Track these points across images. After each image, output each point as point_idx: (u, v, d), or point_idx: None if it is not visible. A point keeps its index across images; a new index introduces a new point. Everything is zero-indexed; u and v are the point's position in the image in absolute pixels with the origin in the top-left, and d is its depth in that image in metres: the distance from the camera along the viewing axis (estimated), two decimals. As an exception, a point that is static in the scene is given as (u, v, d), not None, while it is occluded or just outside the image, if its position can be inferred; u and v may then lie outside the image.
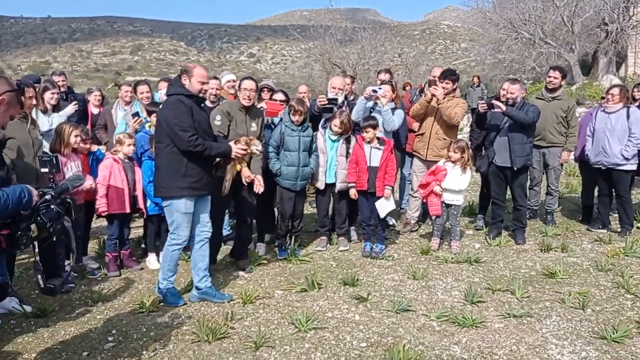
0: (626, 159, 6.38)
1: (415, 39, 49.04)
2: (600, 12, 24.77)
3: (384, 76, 7.02)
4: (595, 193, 7.08)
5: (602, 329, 4.02)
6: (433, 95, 6.17)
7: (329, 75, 27.80)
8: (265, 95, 6.53)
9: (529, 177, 6.68)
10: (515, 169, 6.14)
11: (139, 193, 5.41)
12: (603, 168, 6.57)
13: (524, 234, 6.40)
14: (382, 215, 5.79)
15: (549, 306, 4.50)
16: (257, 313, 4.40)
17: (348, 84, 6.75)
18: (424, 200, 6.33)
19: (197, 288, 4.60)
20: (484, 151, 6.54)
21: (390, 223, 6.64)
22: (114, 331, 4.07)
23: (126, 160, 5.42)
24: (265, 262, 5.68)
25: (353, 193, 5.89)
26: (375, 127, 5.77)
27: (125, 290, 4.95)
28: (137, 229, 6.57)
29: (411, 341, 3.87)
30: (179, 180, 4.26)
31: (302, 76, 32.95)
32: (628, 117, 6.40)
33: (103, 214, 5.25)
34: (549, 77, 6.93)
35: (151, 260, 5.57)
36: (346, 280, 5.02)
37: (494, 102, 6.05)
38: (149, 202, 5.42)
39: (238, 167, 4.81)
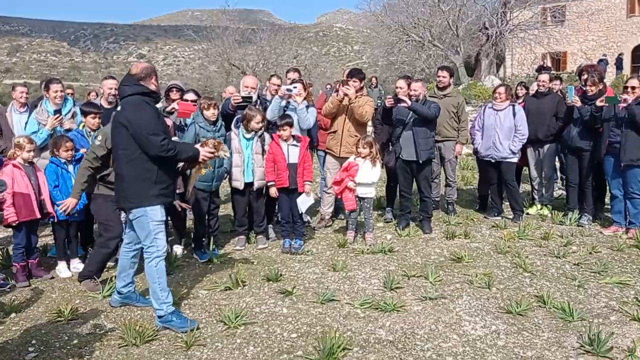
0: (513, 153, 7.02)
1: (309, 41, 49.82)
2: (481, 17, 26.68)
3: (293, 75, 7.16)
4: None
5: (507, 304, 4.42)
6: (345, 94, 6.41)
7: (227, 77, 27.62)
8: (175, 95, 6.44)
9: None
10: (421, 162, 6.53)
11: (45, 197, 5.12)
12: (493, 161, 7.16)
13: (431, 223, 6.83)
14: (302, 211, 5.94)
15: (460, 287, 4.87)
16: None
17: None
18: (339, 197, 6.55)
19: (119, 293, 4.45)
20: (391, 147, 6.89)
21: (306, 219, 6.80)
22: (33, 341, 3.86)
23: (27, 165, 5.12)
24: (184, 264, 5.62)
25: (274, 191, 5.98)
26: (291, 125, 5.91)
27: (38, 300, 4.68)
28: (43, 237, 6.20)
29: (339, 329, 4.03)
30: (151, 188, 3.94)
31: (198, 77, 32.36)
32: (514, 114, 7.04)
33: (13, 224, 4.92)
34: (439, 76, 7.44)
35: (61, 269, 5.30)
36: (269, 276, 5.10)
37: (401, 97, 6.41)
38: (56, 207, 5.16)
39: (203, 171, 4.46)
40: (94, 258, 4.94)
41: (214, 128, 5.67)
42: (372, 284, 5.01)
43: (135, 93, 3.96)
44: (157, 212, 4.00)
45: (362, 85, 6.75)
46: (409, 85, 6.67)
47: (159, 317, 4.05)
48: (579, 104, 6.58)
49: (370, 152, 6.23)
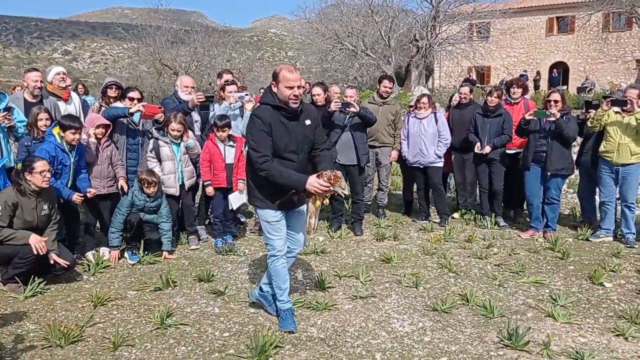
0: (439, 157, 7.32)
1: (244, 45, 49.52)
2: (412, 29, 27.57)
3: (227, 76, 7.15)
4: (415, 189, 7.97)
5: (433, 302, 4.60)
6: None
7: (159, 77, 26.97)
8: (113, 92, 6.27)
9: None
10: (362, 165, 6.70)
11: None
12: (421, 167, 7.43)
13: (362, 225, 6.99)
14: (233, 207, 5.98)
15: (389, 287, 5.02)
16: (111, 314, 4.24)
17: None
18: None
19: (260, 289, 4.35)
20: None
21: (242, 220, 6.78)
22: (-54, 346, 3.63)
23: None
24: (110, 264, 5.46)
25: (210, 190, 5.96)
26: (229, 126, 5.92)
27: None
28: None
29: (271, 328, 4.05)
30: (261, 191, 3.94)
31: (127, 77, 31.39)
32: (436, 121, 7.35)
33: None
34: (385, 86, 7.61)
35: None
36: (201, 276, 5.05)
37: (350, 102, 6.55)
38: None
39: (317, 203, 4.02)
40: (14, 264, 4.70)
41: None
42: (304, 284, 5.07)
43: (262, 102, 3.90)
44: (266, 214, 3.96)
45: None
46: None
47: (280, 306, 4.12)
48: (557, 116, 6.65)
49: None
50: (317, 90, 7.08)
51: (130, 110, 5.83)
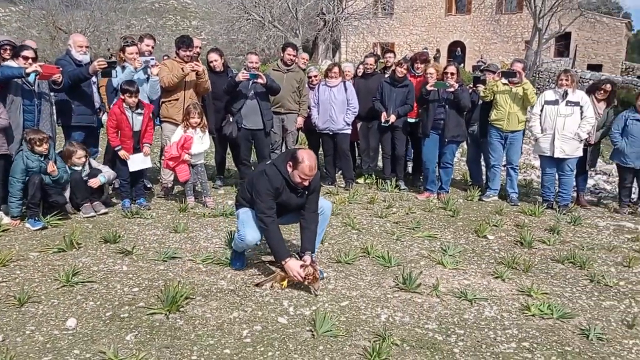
0: (347, 124, 7.64)
1: (144, 12, 47.25)
2: (319, 3, 27.70)
3: (150, 41, 7.05)
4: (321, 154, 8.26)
5: (337, 255, 4.91)
6: (192, 69, 6.45)
7: (52, 41, 25.26)
8: (7, 54, 5.91)
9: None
10: (268, 130, 6.86)
11: None
12: (330, 133, 7.72)
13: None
14: (132, 169, 6.01)
15: (296, 244, 5.23)
16: (13, 274, 4.15)
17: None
18: (173, 170, 6.54)
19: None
20: (230, 118, 7.05)
21: (148, 185, 6.73)
22: None
23: None
24: (10, 227, 5.26)
25: (123, 154, 5.94)
26: (138, 92, 5.84)
27: None
28: None
29: (181, 281, 4.16)
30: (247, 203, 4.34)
31: (16, 42, 29.08)
32: (346, 90, 7.65)
33: None
34: (289, 53, 7.66)
35: None
36: (107, 238, 5.01)
37: (258, 73, 6.65)
38: None
39: (284, 284, 4.13)
40: None
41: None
42: (213, 242, 5.19)
43: (276, 168, 4.15)
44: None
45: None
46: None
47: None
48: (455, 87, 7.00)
49: (201, 120, 6.34)
50: (213, 56, 7.13)
51: (27, 71, 5.54)
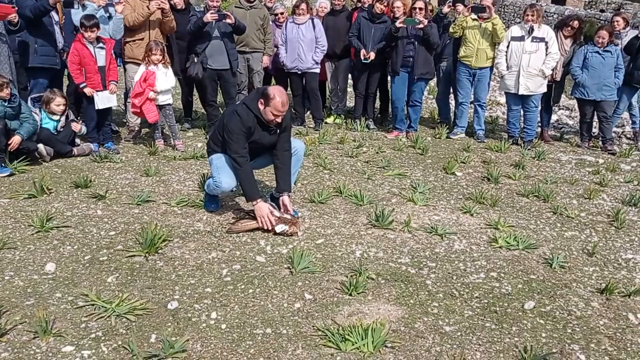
0: (316, 63, 7.55)
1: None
2: None
3: None
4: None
5: (310, 195, 4.99)
6: (158, 6, 6.21)
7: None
8: None
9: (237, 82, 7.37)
10: (234, 70, 6.77)
11: None
12: (299, 72, 7.63)
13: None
14: (99, 107, 5.89)
15: (269, 185, 5.30)
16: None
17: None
18: (140, 110, 6.40)
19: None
20: (195, 58, 6.88)
21: (115, 129, 6.60)
22: None
23: None
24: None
25: (89, 91, 5.81)
26: (98, 26, 5.64)
27: None
28: None
29: (158, 224, 4.18)
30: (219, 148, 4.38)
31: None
32: (314, 27, 7.51)
33: None
34: None
35: None
36: (78, 182, 4.95)
37: (226, 13, 6.49)
38: None
39: (251, 226, 4.16)
40: None
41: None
42: (187, 185, 5.19)
43: (247, 107, 4.12)
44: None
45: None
46: None
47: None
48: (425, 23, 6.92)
49: (163, 57, 6.19)
50: None
51: None
